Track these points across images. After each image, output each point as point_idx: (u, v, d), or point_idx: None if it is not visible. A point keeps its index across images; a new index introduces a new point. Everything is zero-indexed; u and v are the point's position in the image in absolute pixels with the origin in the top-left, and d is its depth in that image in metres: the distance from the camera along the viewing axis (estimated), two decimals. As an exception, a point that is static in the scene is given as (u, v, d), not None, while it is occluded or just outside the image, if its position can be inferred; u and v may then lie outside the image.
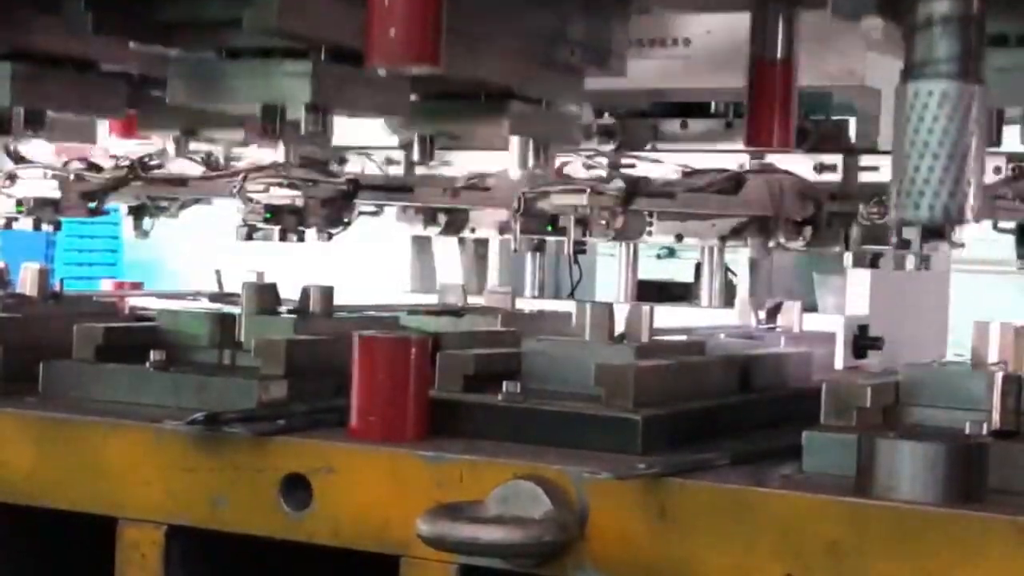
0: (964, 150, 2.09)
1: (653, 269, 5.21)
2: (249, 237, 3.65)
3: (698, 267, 4.79)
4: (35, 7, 2.85)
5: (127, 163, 3.82)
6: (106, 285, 4.54)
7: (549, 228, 3.57)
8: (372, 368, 2.38)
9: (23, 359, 2.80)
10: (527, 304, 4.26)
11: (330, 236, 3.83)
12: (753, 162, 4.12)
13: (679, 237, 4.40)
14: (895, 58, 2.23)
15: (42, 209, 3.83)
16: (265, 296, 2.96)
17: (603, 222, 3.52)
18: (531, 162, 3.82)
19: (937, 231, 2.20)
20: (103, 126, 4.31)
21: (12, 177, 3.83)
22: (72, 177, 3.76)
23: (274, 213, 3.53)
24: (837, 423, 2.26)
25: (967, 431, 2.19)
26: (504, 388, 2.47)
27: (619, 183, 3.21)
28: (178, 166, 4.04)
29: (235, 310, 2.96)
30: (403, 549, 2.23)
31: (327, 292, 3.07)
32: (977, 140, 2.11)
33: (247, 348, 2.79)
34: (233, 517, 2.38)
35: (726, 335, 3.24)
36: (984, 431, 2.21)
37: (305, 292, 3.04)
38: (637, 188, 3.24)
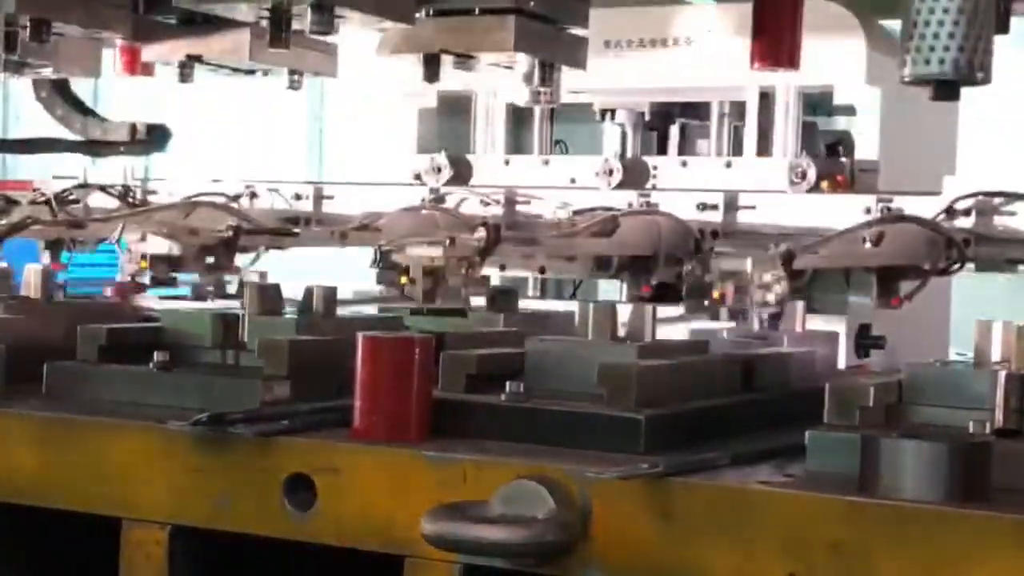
0: (976, 8, 2.08)
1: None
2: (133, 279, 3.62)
3: (693, 265, 4.79)
4: None
5: (42, 200, 3.84)
6: (109, 289, 4.55)
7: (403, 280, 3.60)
8: (376, 368, 2.38)
9: (26, 360, 2.79)
10: (533, 304, 4.25)
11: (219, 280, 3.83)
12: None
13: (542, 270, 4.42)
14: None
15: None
16: (267, 297, 2.97)
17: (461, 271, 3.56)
18: (536, 81, 3.83)
19: (947, 86, 2.18)
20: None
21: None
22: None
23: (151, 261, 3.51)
24: (840, 422, 2.27)
25: (970, 430, 2.20)
26: (507, 388, 2.47)
27: (481, 232, 3.20)
28: (96, 199, 4.07)
29: (238, 310, 2.96)
30: (407, 549, 2.23)
31: (330, 292, 3.07)
32: (986, 4, 2.11)
33: (251, 348, 2.78)
34: (237, 517, 2.39)
35: (729, 335, 3.24)
36: (987, 430, 2.21)
37: (308, 292, 3.04)
38: (498, 237, 3.24)
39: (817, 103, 4.46)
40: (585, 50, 3.92)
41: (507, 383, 2.49)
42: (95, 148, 4.71)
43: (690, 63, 4.46)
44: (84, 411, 2.60)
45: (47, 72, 4.17)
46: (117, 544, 2.45)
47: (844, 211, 3.89)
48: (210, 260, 4.14)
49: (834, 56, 4.23)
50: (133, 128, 4.58)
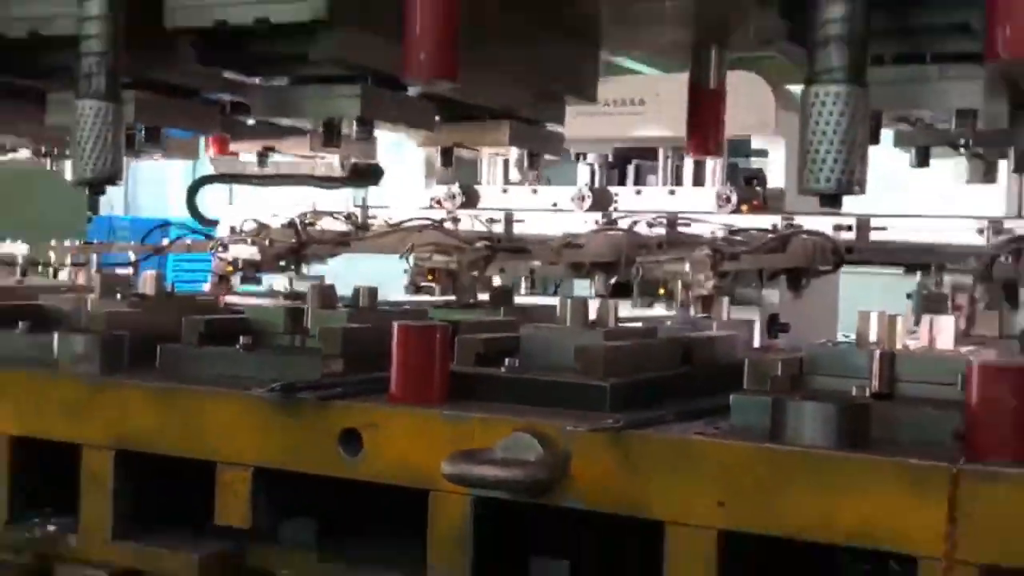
0: (853, 138, 2.09)
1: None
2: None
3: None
4: (152, 47, 2.83)
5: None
6: (207, 286, 4.55)
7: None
8: (406, 349, 2.38)
9: (144, 343, 2.79)
10: (524, 300, 4.24)
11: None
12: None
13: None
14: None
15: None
16: (326, 295, 2.97)
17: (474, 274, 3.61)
18: (525, 165, 3.86)
19: (832, 198, 2.19)
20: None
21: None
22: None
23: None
24: (756, 389, 2.27)
25: (853, 394, 2.21)
26: (506, 363, 2.48)
27: (483, 243, 3.25)
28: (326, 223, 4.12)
29: (303, 305, 2.96)
30: (431, 485, 2.23)
31: (373, 291, 3.08)
32: (862, 131, 2.11)
33: (313, 334, 2.78)
34: (302, 461, 2.39)
35: (672, 323, 3.25)
36: (866, 394, 2.22)
37: (356, 291, 3.05)
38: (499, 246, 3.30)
39: (738, 147, 4.47)
40: (561, 141, 3.96)
41: (506, 359, 2.49)
42: (324, 182, 4.68)
43: (643, 119, 4.48)
44: (188, 382, 2.60)
45: (158, 156, 4.14)
46: (213, 482, 2.46)
47: (758, 226, 3.93)
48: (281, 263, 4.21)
49: (751, 113, 4.24)
50: (354, 166, 4.55)
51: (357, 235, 4.50)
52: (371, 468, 2.31)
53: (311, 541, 2.57)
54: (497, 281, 4.35)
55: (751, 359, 2.34)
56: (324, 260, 4.51)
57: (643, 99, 4.48)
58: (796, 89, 3.13)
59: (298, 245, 4.18)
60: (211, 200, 5.73)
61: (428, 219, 4.32)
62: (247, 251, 4.17)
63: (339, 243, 4.45)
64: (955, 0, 2.13)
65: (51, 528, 2.63)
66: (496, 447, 2.15)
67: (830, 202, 2.20)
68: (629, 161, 4.75)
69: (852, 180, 2.11)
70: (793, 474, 1.98)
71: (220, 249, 4.33)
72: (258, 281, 4.26)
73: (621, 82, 4.62)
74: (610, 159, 4.81)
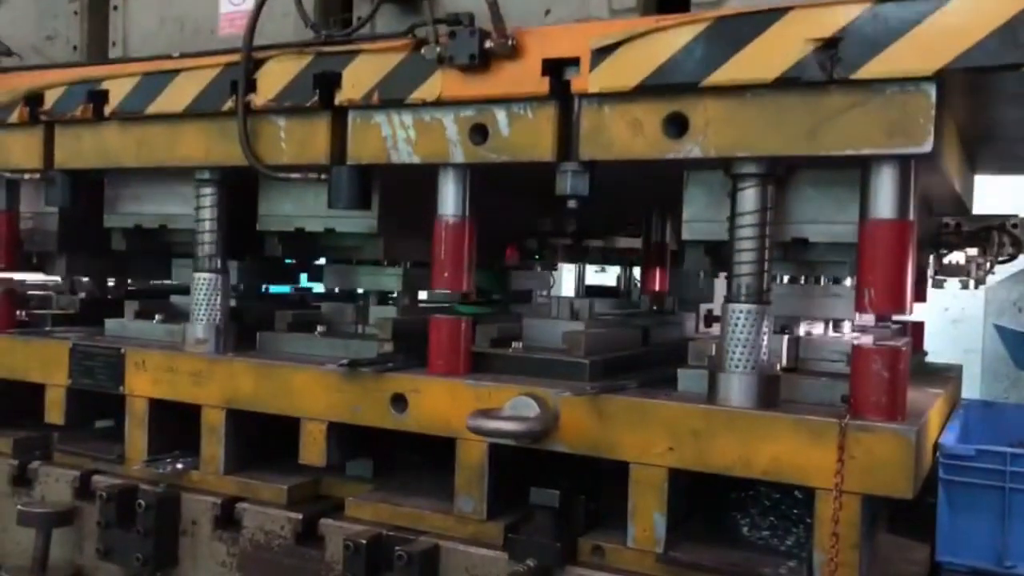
0: (758, 340, 2.05)
1: (593, 277, 5.17)
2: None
3: (618, 277, 4.79)
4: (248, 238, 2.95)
5: None
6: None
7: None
8: (439, 335, 2.38)
9: (248, 330, 2.81)
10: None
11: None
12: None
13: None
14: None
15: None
16: (380, 295, 2.96)
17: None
18: None
19: None
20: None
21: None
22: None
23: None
24: (697, 364, 2.27)
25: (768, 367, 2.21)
26: (513, 345, 2.48)
27: None
28: None
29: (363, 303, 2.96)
30: (458, 434, 2.24)
31: (414, 294, 3.08)
32: (766, 334, 2.07)
33: (371, 324, 2.80)
34: (364, 417, 2.39)
35: (635, 314, 3.25)
36: (777, 368, 2.22)
37: (400, 293, 3.05)
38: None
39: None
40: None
41: (512, 343, 2.49)
42: None
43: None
44: (279, 359, 2.60)
45: None
46: (297, 433, 2.46)
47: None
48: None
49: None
50: None
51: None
52: (414, 422, 2.32)
53: (368, 475, 2.60)
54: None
55: (693, 343, 2.33)
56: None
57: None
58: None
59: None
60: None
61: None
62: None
63: None
64: (835, 248, 2.15)
65: (179, 466, 2.64)
66: (505, 407, 2.16)
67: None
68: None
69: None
70: (722, 427, 1.99)
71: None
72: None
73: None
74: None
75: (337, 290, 3.30)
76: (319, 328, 2.75)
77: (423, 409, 2.30)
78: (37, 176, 3.00)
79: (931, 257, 2.93)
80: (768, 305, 2.07)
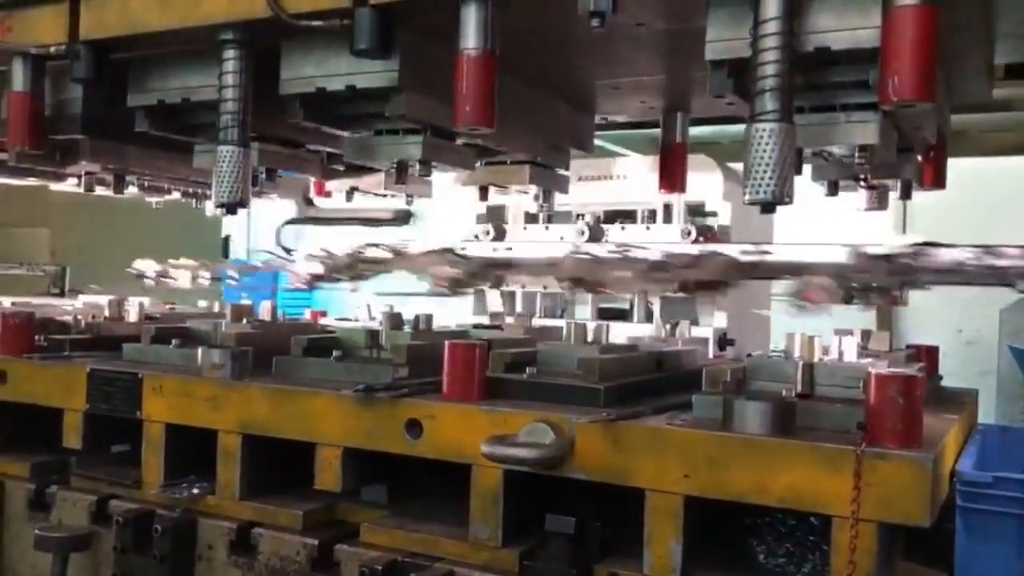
0: (783, 161, 2.09)
1: (607, 299, 5.14)
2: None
3: (631, 300, 4.78)
4: (270, 109, 2.86)
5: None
6: (307, 314, 4.56)
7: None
8: (454, 360, 2.39)
9: (263, 356, 2.81)
10: (538, 323, 4.22)
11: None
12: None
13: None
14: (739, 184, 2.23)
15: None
16: (395, 319, 2.99)
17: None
18: (540, 199, 3.89)
19: (771, 206, 2.16)
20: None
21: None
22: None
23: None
24: (711, 391, 2.27)
25: (783, 395, 2.21)
26: (527, 371, 2.48)
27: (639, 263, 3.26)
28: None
29: (378, 327, 2.98)
30: (473, 460, 2.24)
31: (429, 317, 3.09)
32: (790, 157, 2.11)
33: (386, 348, 2.80)
34: (379, 442, 2.39)
35: (649, 340, 3.25)
36: (792, 395, 2.23)
37: (416, 317, 3.07)
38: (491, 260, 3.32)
39: (695, 210, 4.43)
40: (567, 182, 3.96)
41: (527, 368, 2.49)
42: (371, 223, 4.60)
43: (624, 189, 4.48)
44: (295, 384, 2.61)
45: (275, 196, 4.14)
46: (312, 458, 2.47)
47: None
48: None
49: (704, 185, 4.24)
50: (396, 212, 4.45)
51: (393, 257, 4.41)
52: (429, 448, 2.32)
53: (383, 500, 2.59)
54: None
55: (707, 368, 2.33)
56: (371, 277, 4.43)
57: (624, 174, 4.48)
58: (737, 166, 3.13)
59: (353, 262, 4.08)
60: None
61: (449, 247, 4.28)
62: (314, 267, 4.12)
63: (381, 262, 4.33)
64: (857, 61, 2.15)
65: (195, 490, 2.65)
66: (520, 433, 2.16)
67: (768, 208, 2.18)
68: (614, 220, 4.71)
69: (783, 192, 2.11)
70: (738, 454, 1.98)
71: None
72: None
73: (608, 161, 4.63)
74: (600, 217, 4.77)
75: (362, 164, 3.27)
76: (334, 353, 2.75)
77: (438, 435, 2.30)
78: (62, 52, 2.99)
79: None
80: (792, 125, 2.06)
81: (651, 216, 4.56)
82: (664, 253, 3.76)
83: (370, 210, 4.34)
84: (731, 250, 3.89)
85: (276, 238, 4.42)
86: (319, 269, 4.10)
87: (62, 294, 5.11)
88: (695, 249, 4.00)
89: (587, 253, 3.75)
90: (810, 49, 2.13)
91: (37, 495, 2.89)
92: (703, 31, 2.22)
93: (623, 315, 4.82)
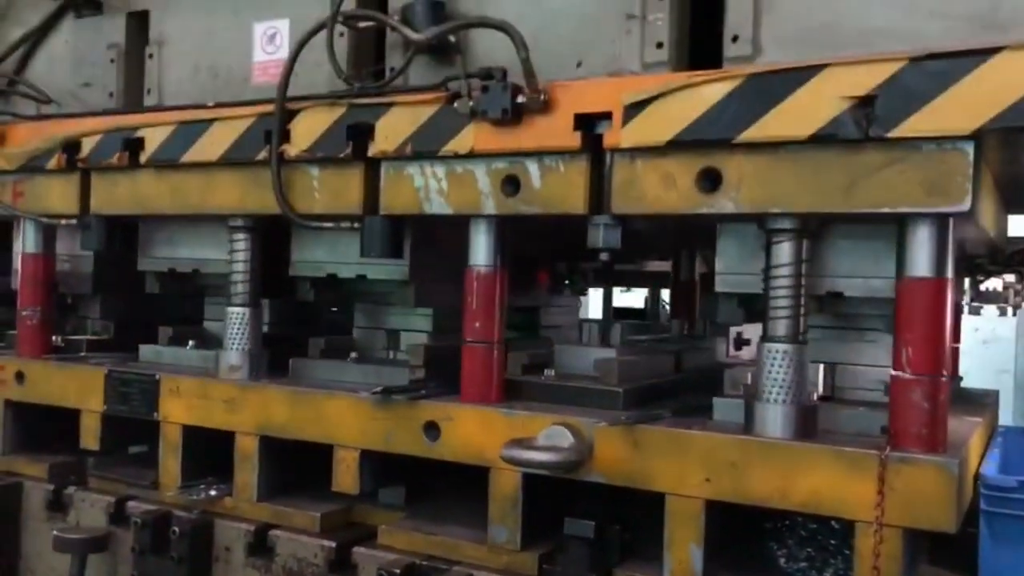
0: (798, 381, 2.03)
1: (620, 299, 5.14)
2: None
3: (646, 299, 4.76)
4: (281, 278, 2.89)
5: None
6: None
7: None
8: (472, 363, 2.36)
9: (279, 357, 2.80)
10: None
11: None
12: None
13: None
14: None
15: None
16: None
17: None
18: None
19: None
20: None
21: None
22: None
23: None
24: (732, 392, 2.25)
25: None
26: (545, 373, 2.47)
27: None
28: None
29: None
30: (492, 463, 2.23)
31: (447, 319, 3.07)
32: (803, 375, 2.05)
33: (403, 350, 2.79)
34: (396, 445, 2.38)
35: (667, 339, 3.22)
36: (814, 397, 2.20)
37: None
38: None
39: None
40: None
41: (545, 370, 2.48)
42: None
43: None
44: (312, 386, 2.59)
45: None
46: (330, 460, 2.46)
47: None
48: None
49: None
50: None
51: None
52: (447, 451, 2.30)
53: (401, 503, 2.58)
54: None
55: (728, 371, 2.30)
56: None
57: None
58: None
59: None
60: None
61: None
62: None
63: None
64: (871, 302, 2.12)
65: (212, 492, 2.65)
66: (539, 436, 2.13)
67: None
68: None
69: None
70: (759, 458, 1.96)
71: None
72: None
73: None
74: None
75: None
76: (352, 355, 2.74)
77: (456, 437, 2.29)
78: (74, 221, 3.02)
79: (967, 283, 2.89)
80: (805, 345, 2.04)
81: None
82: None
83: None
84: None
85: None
86: None
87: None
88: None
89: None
90: (823, 293, 2.12)
91: (55, 496, 2.89)
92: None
93: (639, 314, 4.82)
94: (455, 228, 2.39)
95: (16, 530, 2.95)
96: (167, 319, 3.18)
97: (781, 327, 2.03)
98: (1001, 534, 1.99)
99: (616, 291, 5.11)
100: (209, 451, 2.71)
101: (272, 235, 2.78)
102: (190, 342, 3.01)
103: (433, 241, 2.62)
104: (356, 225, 2.47)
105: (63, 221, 3.05)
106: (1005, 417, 3.20)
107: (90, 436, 2.89)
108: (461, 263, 2.37)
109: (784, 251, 2.02)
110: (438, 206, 2.33)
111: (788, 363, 2.01)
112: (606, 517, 2.16)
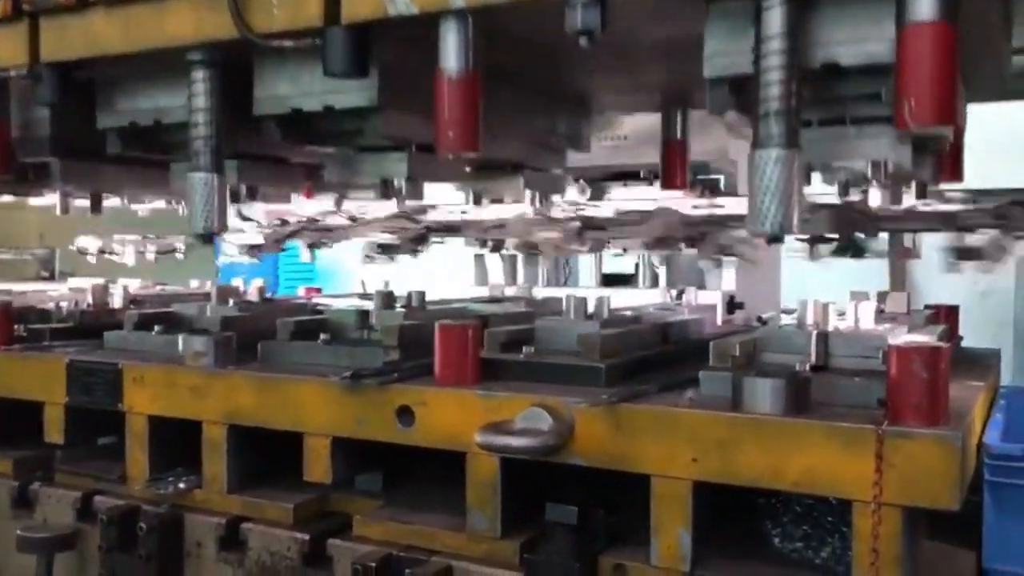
0: (789, 191, 1.94)
1: (612, 264, 4.99)
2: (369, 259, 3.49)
3: (637, 264, 4.64)
4: (247, 128, 2.68)
5: (302, 220, 3.70)
6: (301, 290, 4.44)
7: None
8: (446, 343, 2.26)
9: (248, 340, 2.68)
10: (541, 292, 4.09)
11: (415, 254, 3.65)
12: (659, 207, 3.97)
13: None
14: (745, 140, 2.09)
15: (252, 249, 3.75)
16: (387, 298, 2.86)
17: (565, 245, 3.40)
18: (538, 205, 3.69)
19: (776, 238, 2.03)
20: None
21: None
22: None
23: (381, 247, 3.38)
24: (720, 365, 2.13)
25: (796, 368, 2.07)
26: (524, 350, 2.35)
27: (576, 224, 3.06)
28: (333, 220, 3.91)
29: (370, 306, 2.85)
30: (468, 448, 2.12)
31: (422, 294, 2.96)
32: (796, 185, 1.96)
33: (376, 329, 2.67)
34: (369, 431, 2.28)
35: (653, 309, 3.11)
36: (806, 368, 2.09)
37: (409, 295, 2.94)
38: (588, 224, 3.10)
39: (701, 168, 4.27)
40: (564, 180, 3.77)
41: (523, 347, 2.36)
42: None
43: (627, 150, 4.29)
44: (281, 370, 2.49)
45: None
46: (301, 448, 2.36)
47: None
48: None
49: (711, 143, 4.06)
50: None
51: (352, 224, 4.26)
52: (422, 436, 2.20)
53: (378, 490, 2.47)
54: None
55: (716, 343, 2.18)
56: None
57: (625, 136, 4.30)
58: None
59: (425, 230, 3.92)
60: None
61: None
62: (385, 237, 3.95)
63: (454, 228, 4.11)
64: (868, 75, 1.97)
65: (181, 485, 2.54)
66: (517, 419, 2.03)
67: (772, 241, 2.05)
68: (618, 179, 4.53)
69: (787, 225, 1.96)
70: (749, 436, 1.85)
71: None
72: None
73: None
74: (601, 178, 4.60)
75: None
76: (322, 336, 2.62)
77: (431, 422, 2.18)
78: (24, 74, 2.83)
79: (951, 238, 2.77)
80: (799, 150, 1.92)
81: (655, 175, 4.40)
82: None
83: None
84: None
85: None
86: (258, 239, 3.95)
87: (52, 277, 4.99)
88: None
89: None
90: (817, 65, 1.96)
91: (20, 492, 2.79)
92: (700, 36, 2.04)
93: (628, 280, 4.70)
94: (424, 47, 2.24)
95: (-17, 529, 2.85)
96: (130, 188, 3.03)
97: (773, 126, 1.89)
98: (1007, 505, 1.90)
99: (607, 255, 4.97)
100: (180, 441, 2.59)
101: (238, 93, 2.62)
102: (156, 327, 2.89)
103: (403, 68, 2.47)
104: (318, 41, 2.32)
105: (12, 73, 2.87)
106: (1005, 376, 3.09)
107: (54, 429, 2.78)
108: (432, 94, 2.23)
109: (775, 18, 1.87)
110: (403, 6, 2.17)
111: (782, 170, 1.88)
112: (591, 500, 2.05)
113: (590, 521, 2.04)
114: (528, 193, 3.56)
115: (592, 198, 4.28)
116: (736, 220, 3.58)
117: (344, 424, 2.30)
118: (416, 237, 3.30)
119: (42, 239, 5.31)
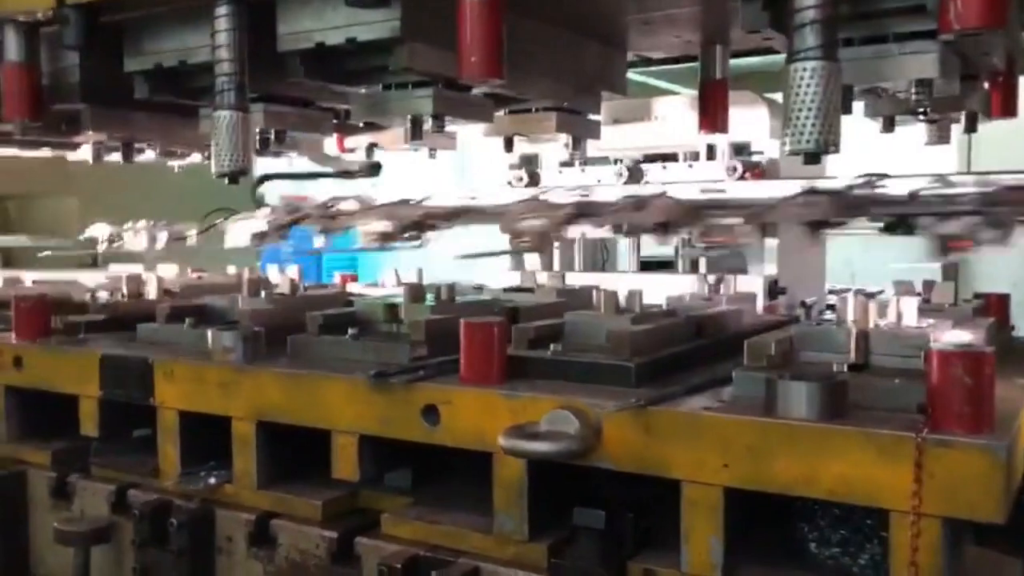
0: (828, 105, 1.89)
1: (650, 248, 4.88)
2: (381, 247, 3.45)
3: (676, 247, 4.54)
4: (274, 69, 2.71)
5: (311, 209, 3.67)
6: (336, 277, 4.42)
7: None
8: (471, 341, 2.21)
9: (278, 334, 2.67)
10: (577, 277, 4.02)
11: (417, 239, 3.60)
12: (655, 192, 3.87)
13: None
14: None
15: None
16: (416, 291, 2.82)
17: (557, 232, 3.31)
18: (570, 150, 3.62)
19: (815, 156, 1.98)
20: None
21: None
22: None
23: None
24: (754, 365, 2.06)
25: (834, 368, 1.99)
26: (551, 347, 2.30)
27: (569, 209, 2.99)
28: (345, 205, 3.87)
29: (399, 299, 2.81)
30: (494, 448, 2.06)
31: (452, 286, 2.92)
32: (835, 99, 1.91)
33: (405, 323, 2.64)
34: (395, 429, 2.25)
35: (690, 299, 3.03)
36: (844, 368, 2.01)
37: (438, 287, 2.89)
38: (581, 211, 3.03)
39: (741, 149, 4.15)
40: (598, 126, 3.67)
41: (551, 344, 2.31)
42: (343, 176, 4.48)
43: (664, 131, 4.21)
44: (310, 365, 2.47)
45: (293, 155, 3.96)
46: (329, 443, 2.34)
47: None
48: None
49: (749, 122, 3.96)
50: (361, 164, 4.37)
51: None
52: (447, 435, 2.17)
53: (407, 485, 2.45)
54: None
55: (750, 340, 2.10)
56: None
57: (663, 116, 4.20)
58: (779, 97, 2.86)
59: (424, 217, 3.89)
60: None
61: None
62: (381, 225, 3.93)
63: (454, 215, 4.11)
64: None
65: (212, 480, 2.55)
66: (542, 421, 1.97)
67: (811, 159, 1.98)
68: (654, 162, 4.43)
69: (829, 140, 1.91)
70: (782, 442, 1.78)
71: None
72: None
73: (645, 102, 4.33)
74: (640, 159, 4.51)
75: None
76: (350, 330, 2.59)
77: (456, 422, 2.15)
78: (51, 17, 2.89)
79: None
80: (837, 63, 1.84)
81: (694, 156, 4.30)
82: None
83: (341, 162, 4.21)
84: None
85: (252, 194, 4.27)
86: (387, 227, 3.91)
87: (95, 265, 5.04)
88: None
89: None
90: None
91: (59, 484, 2.82)
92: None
93: (667, 266, 4.60)
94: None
95: (24, 519, 2.89)
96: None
97: (809, 37, 1.82)
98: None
99: (646, 241, 4.87)
100: (212, 434, 2.58)
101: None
102: (187, 320, 2.89)
103: (424, 4, 2.47)
104: None
105: (40, 15, 2.93)
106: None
107: (89, 422, 2.80)
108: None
109: None
110: None
111: (819, 84, 1.82)
112: (620, 501, 2.01)
113: (618, 525, 1.99)
114: (562, 138, 3.50)
115: (629, 181, 4.19)
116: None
117: (370, 422, 2.27)
118: (415, 224, 3.25)
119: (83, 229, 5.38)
